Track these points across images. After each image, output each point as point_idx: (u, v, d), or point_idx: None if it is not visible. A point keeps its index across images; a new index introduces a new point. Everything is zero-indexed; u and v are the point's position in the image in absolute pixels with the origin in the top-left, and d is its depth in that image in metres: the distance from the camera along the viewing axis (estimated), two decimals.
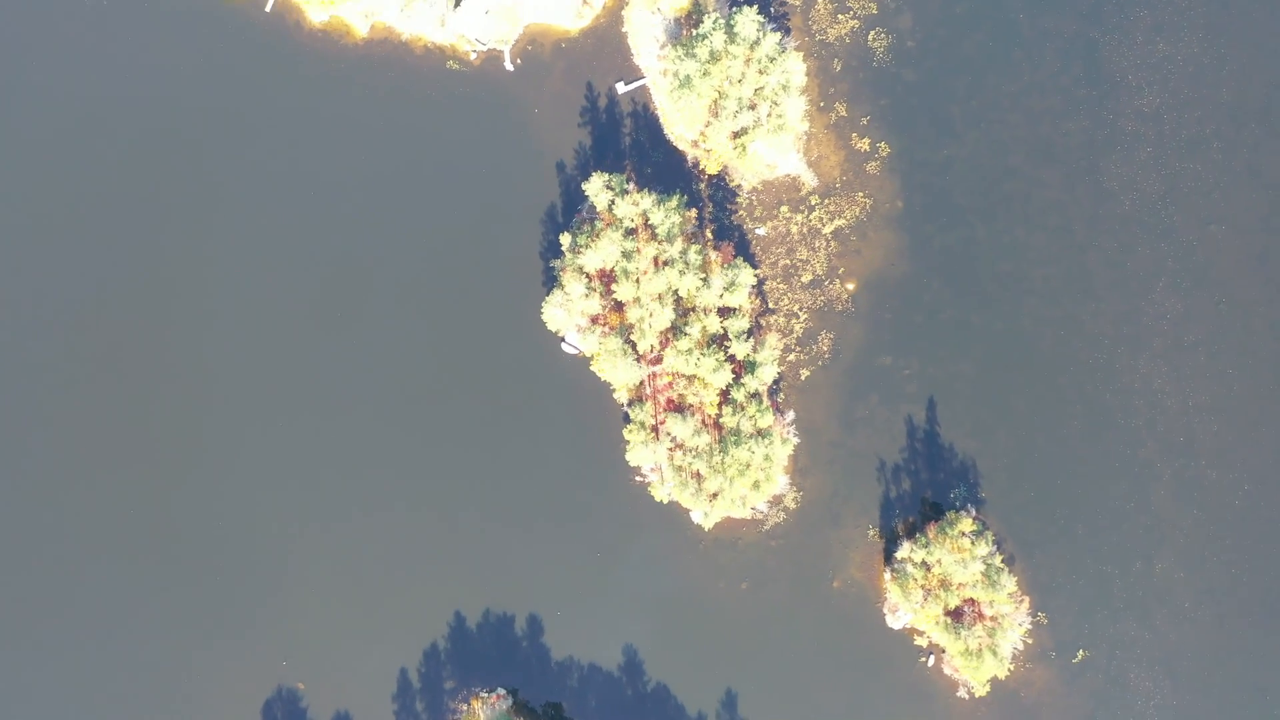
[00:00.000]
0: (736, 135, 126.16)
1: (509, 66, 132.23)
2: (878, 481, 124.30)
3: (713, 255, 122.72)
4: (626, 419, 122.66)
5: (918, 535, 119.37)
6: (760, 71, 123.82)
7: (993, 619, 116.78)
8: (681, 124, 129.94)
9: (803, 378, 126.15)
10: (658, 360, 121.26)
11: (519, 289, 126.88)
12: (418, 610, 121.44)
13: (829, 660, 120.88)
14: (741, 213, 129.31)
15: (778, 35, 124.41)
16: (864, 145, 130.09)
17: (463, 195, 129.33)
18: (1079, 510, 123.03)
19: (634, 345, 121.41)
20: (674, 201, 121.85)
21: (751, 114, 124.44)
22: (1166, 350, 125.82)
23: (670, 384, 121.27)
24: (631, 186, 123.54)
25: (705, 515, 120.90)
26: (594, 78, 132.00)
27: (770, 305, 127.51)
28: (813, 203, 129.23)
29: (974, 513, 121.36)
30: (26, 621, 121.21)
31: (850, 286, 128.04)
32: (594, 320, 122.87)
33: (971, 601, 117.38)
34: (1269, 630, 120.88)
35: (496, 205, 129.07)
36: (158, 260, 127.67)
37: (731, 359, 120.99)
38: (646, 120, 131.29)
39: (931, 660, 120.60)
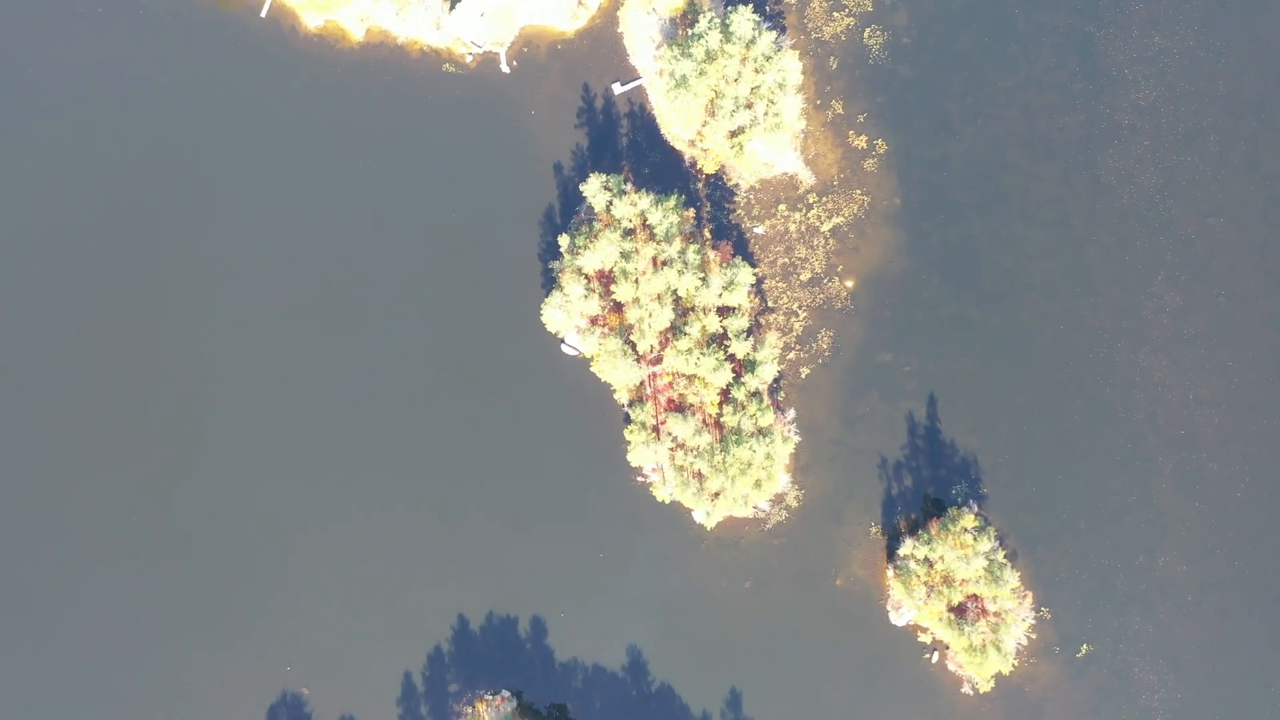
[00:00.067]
0: (733, 134, 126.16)
1: (505, 69, 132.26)
2: (879, 479, 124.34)
3: (711, 255, 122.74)
4: (627, 419, 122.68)
5: (920, 532, 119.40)
6: (756, 70, 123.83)
7: (996, 615, 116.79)
8: (678, 124, 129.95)
9: (803, 376, 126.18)
10: (658, 360, 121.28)
11: (518, 291, 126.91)
12: (421, 613, 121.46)
13: (833, 658, 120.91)
14: (739, 212, 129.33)
15: (773, 34, 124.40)
16: (861, 143, 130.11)
17: (460, 198, 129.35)
18: (1081, 505, 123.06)
19: (634, 346, 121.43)
20: (672, 201, 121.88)
21: (748, 113, 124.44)
22: (1166, 343, 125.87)
23: (670, 384, 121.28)
24: (629, 187, 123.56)
25: (707, 515, 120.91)
26: (590, 79, 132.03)
27: (769, 304, 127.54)
28: (811, 201, 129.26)
29: (976, 508, 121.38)
30: (30, 627, 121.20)
31: (849, 284, 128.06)
32: (593, 321, 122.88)
33: (975, 597, 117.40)
34: (1272, 622, 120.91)
35: (494, 207, 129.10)
36: (156, 268, 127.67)
37: (731, 358, 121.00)
38: (643, 120, 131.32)
39: (935, 657, 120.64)
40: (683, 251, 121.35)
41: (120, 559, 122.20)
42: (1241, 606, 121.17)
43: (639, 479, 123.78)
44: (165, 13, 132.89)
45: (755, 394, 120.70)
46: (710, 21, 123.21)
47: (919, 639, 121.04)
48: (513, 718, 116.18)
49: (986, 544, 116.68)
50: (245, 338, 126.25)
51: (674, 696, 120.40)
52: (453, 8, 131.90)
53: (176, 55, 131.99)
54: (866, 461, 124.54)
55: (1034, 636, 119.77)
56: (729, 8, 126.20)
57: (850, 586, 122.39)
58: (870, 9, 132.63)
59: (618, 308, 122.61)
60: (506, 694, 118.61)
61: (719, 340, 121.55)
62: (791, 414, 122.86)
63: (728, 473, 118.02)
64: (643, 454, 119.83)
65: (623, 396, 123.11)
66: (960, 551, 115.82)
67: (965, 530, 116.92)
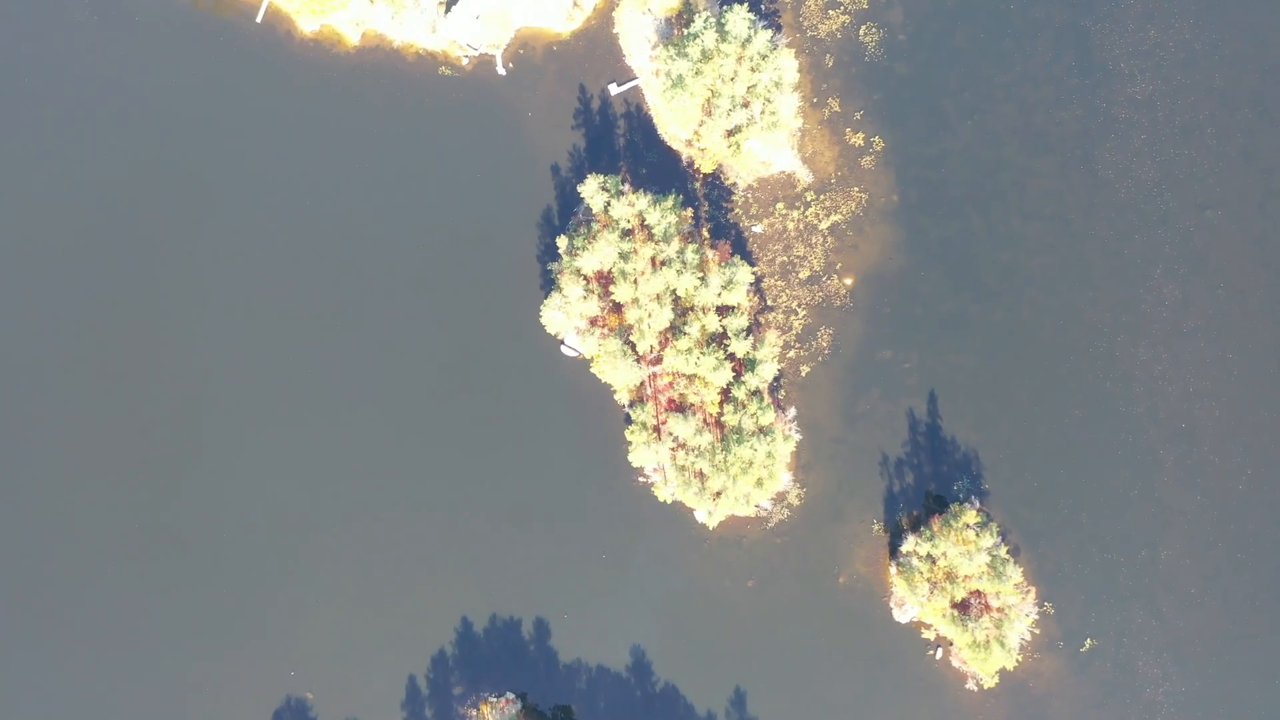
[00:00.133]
0: (730, 133, 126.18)
1: (501, 71, 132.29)
2: (881, 476, 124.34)
3: (710, 254, 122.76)
4: (628, 420, 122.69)
5: (922, 528, 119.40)
6: (752, 69, 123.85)
7: (999, 610, 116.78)
8: (675, 124, 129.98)
9: (803, 374, 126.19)
10: (658, 360, 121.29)
11: (517, 293, 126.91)
12: (424, 616, 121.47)
13: (836, 656, 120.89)
14: (737, 211, 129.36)
15: (769, 32, 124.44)
16: (858, 140, 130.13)
17: (458, 201, 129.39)
18: (1083, 499, 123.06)
19: (633, 346, 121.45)
20: (670, 201, 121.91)
21: (745, 112, 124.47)
22: (1166, 337, 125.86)
23: (671, 384, 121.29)
24: (627, 187, 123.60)
25: (709, 514, 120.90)
26: (586, 80, 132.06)
27: (769, 302, 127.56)
28: (808, 199, 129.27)
29: (978, 504, 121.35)
30: (33, 632, 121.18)
31: (848, 281, 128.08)
32: (593, 322, 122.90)
33: (978, 593, 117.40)
34: (1277, 614, 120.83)
35: (492, 210, 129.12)
36: (155, 275, 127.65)
37: (731, 357, 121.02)
38: (640, 121, 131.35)
39: (939, 653, 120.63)
40: (681, 251, 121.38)
41: (123, 564, 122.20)
42: (1245, 599, 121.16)
43: (640, 479, 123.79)
44: (160, 20, 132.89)
45: (756, 393, 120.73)
46: (706, 21, 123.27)
47: (922, 636, 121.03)
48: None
49: (989, 540, 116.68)
50: (245, 344, 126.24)
51: (678, 696, 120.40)
52: (448, 11, 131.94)
53: (172, 62, 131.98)
54: (868, 459, 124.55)
55: (1037, 632, 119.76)
56: (724, 7, 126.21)
57: (853, 584, 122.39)
58: (866, 6, 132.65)
59: (617, 308, 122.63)
60: (511, 696, 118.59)
61: (719, 339, 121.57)
62: (792, 412, 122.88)
63: (729, 472, 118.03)
64: (644, 454, 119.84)
65: (623, 397, 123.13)
66: (963, 548, 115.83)
67: (967, 526, 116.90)
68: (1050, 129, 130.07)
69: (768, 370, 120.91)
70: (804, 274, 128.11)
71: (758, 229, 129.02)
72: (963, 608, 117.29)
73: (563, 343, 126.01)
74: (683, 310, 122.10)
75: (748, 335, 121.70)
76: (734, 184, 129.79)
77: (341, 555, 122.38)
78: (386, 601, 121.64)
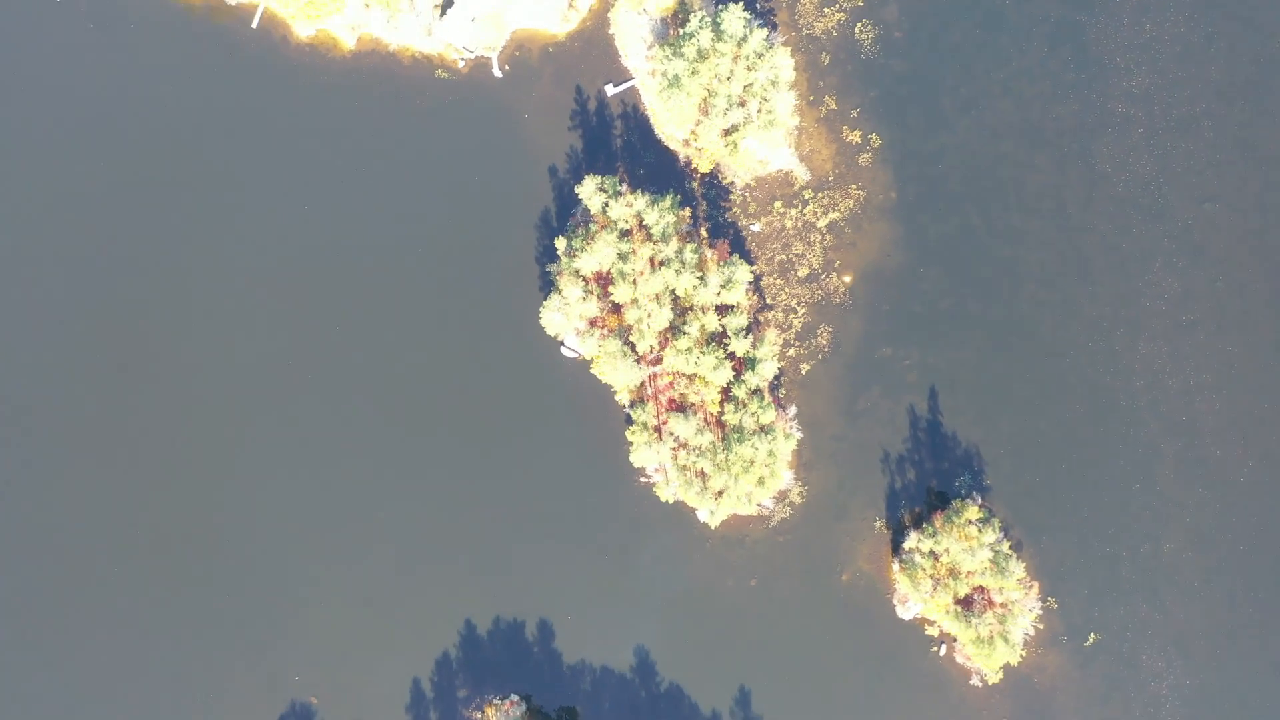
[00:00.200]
0: (727, 133, 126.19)
1: (497, 73, 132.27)
2: (882, 473, 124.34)
3: (708, 253, 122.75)
4: (629, 420, 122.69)
5: (924, 525, 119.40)
6: (749, 68, 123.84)
7: (1003, 606, 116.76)
8: (672, 123, 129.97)
9: (803, 372, 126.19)
10: (658, 360, 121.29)
11: (516, 295, 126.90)
12: (428, 620, 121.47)
13: (841, 654, 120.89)
14: (735, 210, 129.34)
15: (765, 31, 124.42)
16: (855, 137, 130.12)
17: (456, 203, 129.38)
18: (1085, 494, 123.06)
19: (633, 346, 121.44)
20: (668, 201, 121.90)
21: (741, 111, 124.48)
22: (1166, 330, 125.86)
23: (671, 384, 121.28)
24: (624, 188, 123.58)
25: (711, 513, 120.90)
26: (583, 81, 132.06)
27: (768, 301, 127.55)
28: (806, 197, 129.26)
29: (980, 500, 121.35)
30: (35, 636, 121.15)
31: (847, 279, 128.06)
32: (592, 323, 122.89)
33: (981, 589, 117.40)
34: (1279, 606, 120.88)
35: (490, 212, 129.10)
36: (154, 281, 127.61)
37: (731, 356, 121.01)
38: (637, 121, 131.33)
39: (943, 649, 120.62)
40: (680, 251, 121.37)
41: (127, 570, 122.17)
42: (1248, 591, 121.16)
43: (642, 480, 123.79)
44: (156, 27, 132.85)
45: (756, 391, 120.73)
46: (701, 20, 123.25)
47: (926, 632, 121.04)
48: None
49: (991, 535, 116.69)
50: (246, 348, 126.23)
51: (683, 696, 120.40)
52: (443, 14, 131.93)
53: (168, 69, 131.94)
54: (869, 456, 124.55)
55: (1041, 627, 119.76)
56: (720, 6, 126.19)
57: (856, 581, 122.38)
58: (861, 4, 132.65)
59: (616, 309, 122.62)
60: (515, 698, 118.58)
61: (718, 339, 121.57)
62: (793, 410, 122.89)
63: (731, 471, 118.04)
64: (645, 454, 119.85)
65: (624, 397, 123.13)
66: (965, 544, 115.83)
67: (970, 522, 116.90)
68: (1047, 124, 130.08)
69: (768, 369, 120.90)
70: (803, 272, 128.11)
71: (756, 228, 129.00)
72: (966, 604, 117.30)
73: (562, 344, 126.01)
74: (682, 310, 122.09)
75: (747, 334, 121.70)
76: (731, 183, 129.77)
77: (344, 560, 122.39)
78: (390, 605, 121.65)
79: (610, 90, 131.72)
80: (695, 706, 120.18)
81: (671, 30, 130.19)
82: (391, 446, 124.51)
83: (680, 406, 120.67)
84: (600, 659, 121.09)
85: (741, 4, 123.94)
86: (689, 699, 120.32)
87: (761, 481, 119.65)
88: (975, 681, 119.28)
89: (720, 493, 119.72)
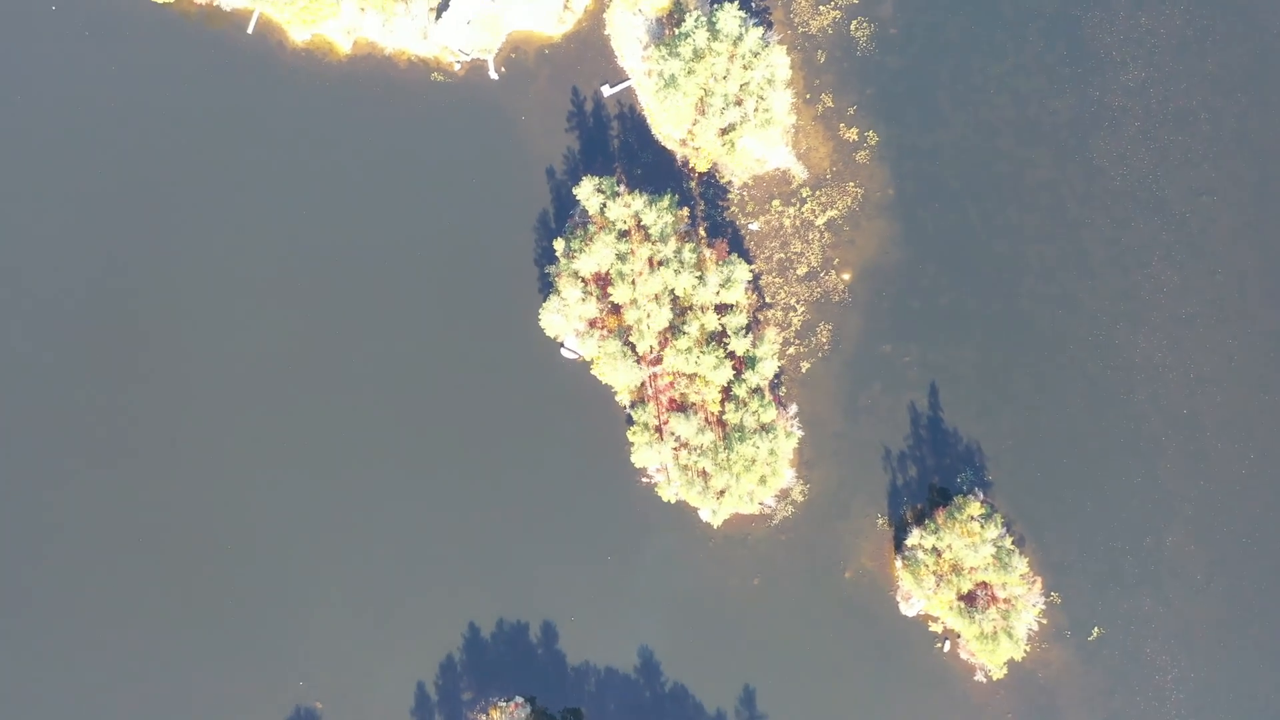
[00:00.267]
0: (724, 132, 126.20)
1: (494, 75, 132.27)
2: (884, 470, 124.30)
3: (707, 253, 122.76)
4: (630, 421, 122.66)
5: (927, 521, 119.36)
6: (745, 67, 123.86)
7: (1006, 601, 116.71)
8: (669, 123, 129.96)
9: (803, 370, 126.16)
10: (658, 360, 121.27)
11: (515, 297, 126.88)
12: (432, 623, 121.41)
13: (845, 651, 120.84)
14: (733, 209, 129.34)
15: (760, 30, 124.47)
16: (852, 135, 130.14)
17: (454, 206, 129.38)
18: (1087, 488, 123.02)
19: (633, 347, 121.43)
20: (665, 201, 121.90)
21: (738, 110, 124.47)
22: (1165, 323, 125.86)
23: (671, 384, 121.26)
24: (622, 188, 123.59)
25: (713, 513, 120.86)
26: (579, 82, 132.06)
27: (767, 300, 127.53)
28: (804, 195, 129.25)
29: (982, 496, 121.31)
30: (37, 640, 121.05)
31: (846, 277, 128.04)
32: (592, 324, 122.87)
33: (984, 585, 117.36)
34: None
35: (488, 214, 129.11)
36: (153, 283, 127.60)
37: (731, 355, 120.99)
38: (634, 121, 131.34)
39: (947, 646, 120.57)
40: (678, 251, 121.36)
41: (131, 574, 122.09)
42: (1251, 584, 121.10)
43: (644, 480, 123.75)
44: (152, 33, 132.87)
45: (757, 390, 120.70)
46: (697, 20, 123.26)
47: (930, 629, 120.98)
48: None
49: (994, 531, 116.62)
50: (247, 353, 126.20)
51: (687, 696, 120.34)
52: (439, 17, 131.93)
53: (165, 75, 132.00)
54: (870, 453, 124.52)
55: (1045, 622, 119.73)
56: (715, 6, 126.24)
57: (859, 579, 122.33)
58: (856, 1, 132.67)
59: (616, 310, 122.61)
60: (520, 700, 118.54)
61: (718, 338, 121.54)
62: (794, 409, 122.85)
63: (732, 470, 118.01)
64: (646, 455, 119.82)
65: (624, 398, 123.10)
66: (968, 539, 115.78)
67: (972, 518, 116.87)
68: (1044, 119, 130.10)
69: (768, 367, 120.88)
70: (802, 270, 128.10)
71: (754, 226, 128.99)
72: (969, 599, 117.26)
73: (562, 345, 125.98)
74: (681, 310, 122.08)
75: (747, 333, 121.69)
76: (729, 182, 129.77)
77: (347, 563, 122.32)
78: (393, 609, 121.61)
79: (607, 91, 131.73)
80: (700, 706, 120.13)
81: (667, 30, 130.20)
82: (393, 451, 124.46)
83: (681, 406, 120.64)
84: (604, 660, 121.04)
85: (737, 3, 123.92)
86: (693, 698, 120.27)
87: (763, 480, 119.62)
88: (979, 677, 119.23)
89: (722, 492, 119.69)
